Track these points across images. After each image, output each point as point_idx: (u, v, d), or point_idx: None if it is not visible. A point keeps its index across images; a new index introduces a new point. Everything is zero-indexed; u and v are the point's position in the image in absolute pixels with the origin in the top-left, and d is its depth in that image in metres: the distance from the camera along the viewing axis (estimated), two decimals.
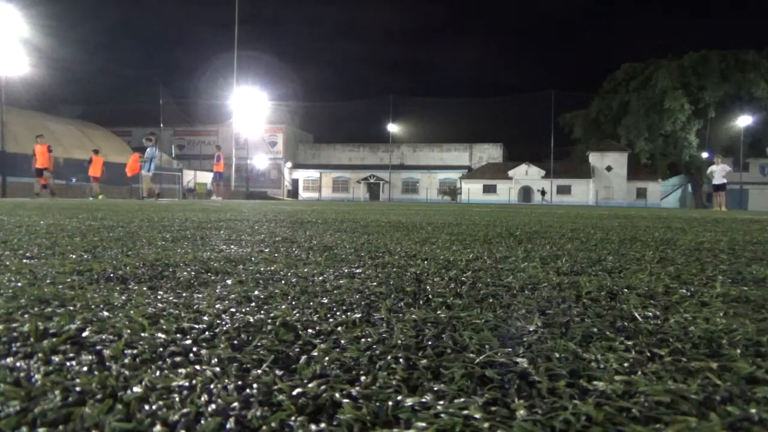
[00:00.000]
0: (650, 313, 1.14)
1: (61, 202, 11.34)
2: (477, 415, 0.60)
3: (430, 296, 1.29)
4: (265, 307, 1.14)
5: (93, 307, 1.11)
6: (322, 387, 0.67)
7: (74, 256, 1.93)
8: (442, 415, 0.60)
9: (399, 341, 0.88)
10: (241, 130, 47.67)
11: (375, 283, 1.47)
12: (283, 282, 1.47)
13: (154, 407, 0.61)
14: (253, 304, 1.17)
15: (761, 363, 0.80)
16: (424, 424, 0.57)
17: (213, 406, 0.62)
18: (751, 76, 46.86)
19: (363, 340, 0.89)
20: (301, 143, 63.27)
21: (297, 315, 1.07)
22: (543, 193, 50.54)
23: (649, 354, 0.84)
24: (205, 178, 44.21)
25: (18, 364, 0.75)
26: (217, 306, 1.14)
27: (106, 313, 1.05)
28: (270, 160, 57.88)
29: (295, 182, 60.54)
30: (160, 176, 36.66)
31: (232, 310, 1.10)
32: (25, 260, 1.81)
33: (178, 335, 0.90)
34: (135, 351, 0.81)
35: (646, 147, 49.13)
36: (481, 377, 0.73)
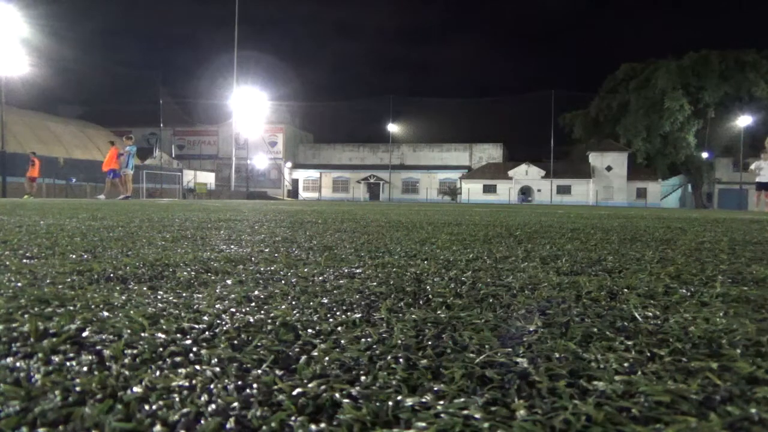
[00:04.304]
0: (650, 313, 1.14)
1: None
2: (477, 415, 0.60)
3: (430, 296, 1.29)
4: (265, 307, 1.14)
5: (93, 307, 1.11)
6: (322, 387, 0.67)
7: (74, 256, 1.93)
8: (442, 415, 0.60)
9: (399, 341, 0.88)
10: (241, 130, 47.69)
11: (375, 283, 1.47)
12: (283, 282, 1.47)
13: (154, 407, 0.61)
14: (253, 304, 1.17)
15: (761, 363, 0.80)
16: (424, 424, 0.57)
17: (213, 406, 0.62)
18: (751, 76, 46.86)
19: (363, 340, 0.89)
20: (301, 143, 63.28)
21: (297, 315, 1.07)
22: (523, 192, 50.91)
23: (649, 354, 0.84)
24: (205, 178, 44.20)
25: (18, 364, 0.75)
26: (217, 306, 1.14)
27: (106, 313, 1.05)
28: (270, 160, 57.88)
29: (295, 182, 60.55)
30: (160, 176, 36.70)
31: (232, 310, 1.10)
32: (25, 260, 1.81)
33: (178, 335, 0.90)
34: (135, 351, 0.81)
35: (643, 147, 49.15)
36: (481, 377, 0.73)
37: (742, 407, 0.63)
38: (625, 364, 0.79)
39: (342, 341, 0.88)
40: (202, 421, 0.58)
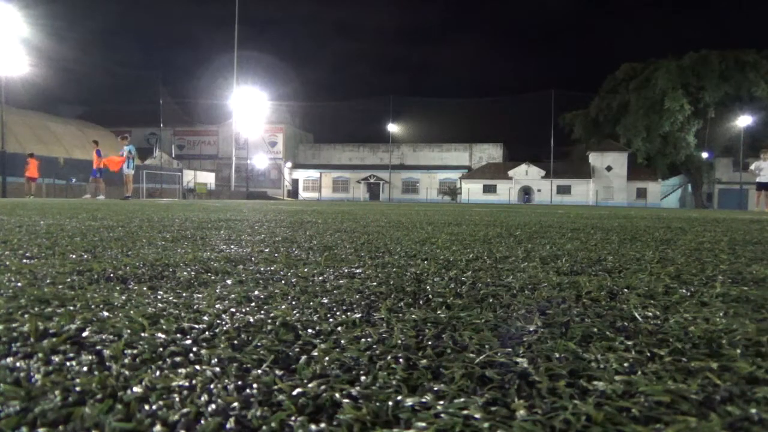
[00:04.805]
0: (650, 313, 1.14)
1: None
2: (477, 415, 0.60)
3: (430, 296, 1.29)
4: (265, 307, 1.14)
5: (93, 307, 1.11)
6: (322, 387, 0.67)
7: (74, 256, 1.93)
8: (442, 415, 0.60)
9: (399, 341, 0.88)
10: (241, 130, 47.70)
11: (375, 283, 1.47)
12: (283, 282, 1.47)
13: (154, 407, 0.61)
14: (253, 304, 1.17)
15: (761, 363, 0.80)
16: (424, 424, 0.57)
17: (213, 406, 0.62)
18: (751, 76, 46.84)
19: (363, 340, 0.89)
20: (301, 143, 63.27)
21: (297, 315, 1.07)
22: (526, 192, 51.10)
23: (649, 354, 0.84)
24: (205, 178, 44.20)
25: (18, 364, 0.75)
26: (217, 306, 1.14)
27: (106, 313, 1.05)
28: (270, 160, 57.89)
29: (295, 182, 60.53)
30: (160, 176, 36.71)
31: (232, 310, 1.10)
32: (25, 260, 1.81)
33: (178, 335, 0.90)
34: (135, 351, 0.81)
35: (643, 147, 49.16)
36: (481, 377, 0.73)
37: (742, 407, 0.63)
38: (625, 364, 0.79)
39: (342, 341, 0.88)
40: (202, 421, 0.58)
